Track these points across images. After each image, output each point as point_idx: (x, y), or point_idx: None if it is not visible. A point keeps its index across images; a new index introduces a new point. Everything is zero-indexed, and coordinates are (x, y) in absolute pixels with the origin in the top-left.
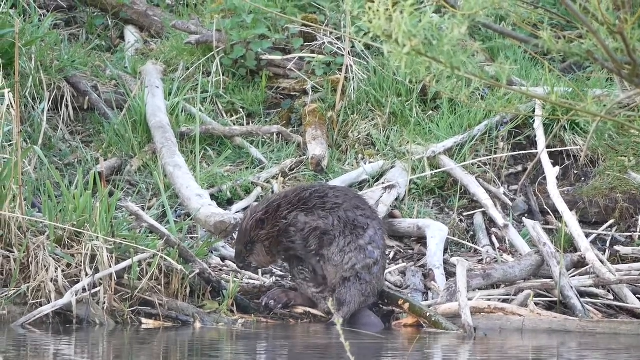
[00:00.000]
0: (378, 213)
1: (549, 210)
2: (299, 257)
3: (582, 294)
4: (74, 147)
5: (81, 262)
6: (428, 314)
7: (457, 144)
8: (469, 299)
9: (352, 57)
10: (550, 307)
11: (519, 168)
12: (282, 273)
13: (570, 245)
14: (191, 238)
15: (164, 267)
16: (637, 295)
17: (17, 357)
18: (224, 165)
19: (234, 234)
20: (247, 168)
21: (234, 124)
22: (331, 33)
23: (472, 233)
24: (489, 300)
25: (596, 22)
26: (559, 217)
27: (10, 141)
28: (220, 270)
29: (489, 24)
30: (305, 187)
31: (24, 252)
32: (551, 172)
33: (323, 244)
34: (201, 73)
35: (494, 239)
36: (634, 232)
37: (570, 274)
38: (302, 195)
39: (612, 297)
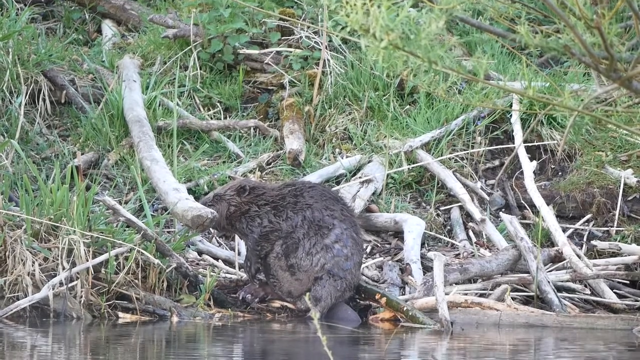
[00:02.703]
0: (353, 212)
1: (526, 205)
2: (268, 270)
3: (559, 289)
4: (51, 141)
5: (58, 256)
6: (405, 308)
7: (434, 138)
8: (446, 294)
9: (330, 51)
10: (527, 301)
11: (496, 162)
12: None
13: (548, 240)
14: (168, 232)
15: (141, 261)
16: (614, 290)
17: None
18: (201, 159)
19: (210, 229)
20: (224, 162)
21: (211, 118)
22: (308, 27)
23: (449, 227)
24: (466, 294)
25: (573, 16)
26: (536, 212)
27: None
28: (198, 264)
29: (466, 18)
30: (290, 184)
31: (0, 246)
32: (528, 167)
33: (289, 250)
34: (178, 67)
35: (471, 233)
36: (611, 226)
37: (548, 268)
38: (283, 192)
39: (589, 292)
